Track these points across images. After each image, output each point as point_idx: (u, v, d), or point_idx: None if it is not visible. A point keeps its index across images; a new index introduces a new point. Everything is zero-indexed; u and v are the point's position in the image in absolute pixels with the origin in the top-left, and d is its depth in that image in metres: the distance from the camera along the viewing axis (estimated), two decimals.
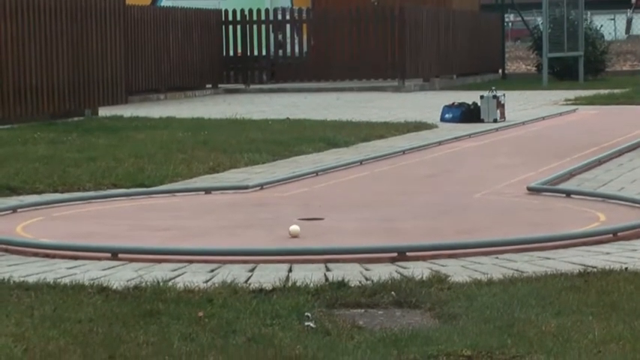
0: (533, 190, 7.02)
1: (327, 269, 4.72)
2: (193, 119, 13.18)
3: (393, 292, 4.25)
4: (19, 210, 6.49)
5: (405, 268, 4.71)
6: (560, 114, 14.54)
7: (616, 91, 19.56)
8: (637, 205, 6.30)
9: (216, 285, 4.41)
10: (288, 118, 12.82)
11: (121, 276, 4.63)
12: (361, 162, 8.84)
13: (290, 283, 4.42)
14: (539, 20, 26.93)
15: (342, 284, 4.38)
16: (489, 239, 5.27)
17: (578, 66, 25.32)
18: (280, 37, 22.61)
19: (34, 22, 13.41)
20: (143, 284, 4.41)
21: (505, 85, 21.36)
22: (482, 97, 13.32)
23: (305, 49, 22.55)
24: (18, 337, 3.69)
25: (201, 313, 3.97)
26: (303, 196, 6.92)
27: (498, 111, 13.19)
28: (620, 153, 9.38)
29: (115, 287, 4.39)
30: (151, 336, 3.70)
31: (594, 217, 5.95)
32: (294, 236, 5.40)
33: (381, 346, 3.56)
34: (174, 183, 7.75)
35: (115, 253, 5.04)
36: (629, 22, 43.62)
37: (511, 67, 31.80)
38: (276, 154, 9.22)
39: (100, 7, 14.15)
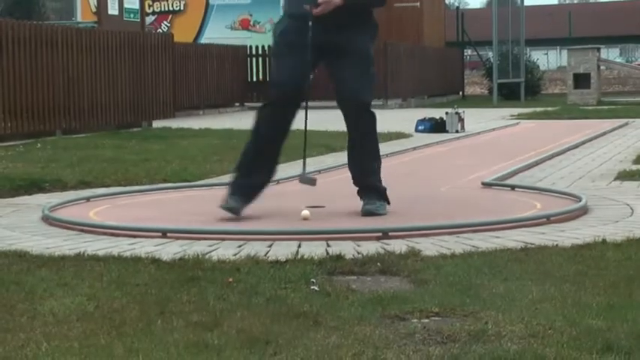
0: (486, 185, 7.01)
1: (328, 245, 4.71)
2: (225, 130, 13.17)
3: (378, 263, 4.24)
4: (91, 199, 6.49)
5: (387, 244, 4.70)
6: (506, 126, 14.53)
7: (549, 108, 19.58)
8: (564, 196, 6.29)
9: (243, 257, 4.41)
10: (297, 129, 12.81)
11: (169, 250, 4.63)
12: None
13: (299, 256, 4.41)
14: (491, 54, 26.92)
15: (339, 257, 4.37)
16: (453, 222, 5.27)
17: (520, 89, 25.32)
18: None
19: (104, 55, 13.45)
20: (186, 256, 4.41)
21: (465, 103, 21.36)
22: (447, 113, 13.32)
23: (311, 75, 22.54)
24: (90, 297, 3.69)
25: (230, 279, 3.96)
26: (309, 189, 6.91)
27: (459, 124, 13.20)
28: (552, 156, 9.38)
29: (164, 259, 4.38)
30: (192, 296, 3.70)
31: (533, 206, 5.94)
32: (305, 219, 5.39)
33: (369, 305, 3.55)
34: (210, 178, 7.75)
35: (164, 233, 5.03)
36: None
37: (469, 90, 31.82)
38: (289, 156, 9.19)
39: (154, 44, 14.23)
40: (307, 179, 5.76)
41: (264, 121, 5.67)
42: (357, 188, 5.75)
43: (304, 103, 5.69)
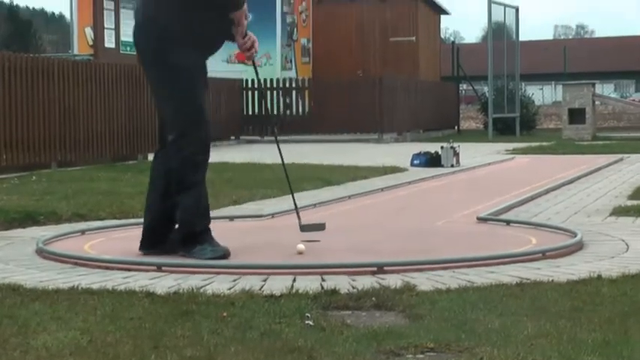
0: (481, 220, 7.01)
1: (323, 280, 4.69)
2: (221, 163, 13.17)
3: (373, 298, 4.23)
4: (86, 232, 6.47)
5: (383, 279, 4.69)
6: (502, 161, 14.55)
7: (544, 143, 19.61)
8: (560, 231, 6.29)
9: (237, 291, 4.39)
10: (293, 163, 12.85)
11: (163, 284, 4.61)
12: (350, 197, 8.84)
13: (294, 291, 4.40)
14: (486, 89, 27.01)
15: (334, 291, 4.35)
16: (448, 257, 5.25)
17: (515, 124, 25.39)
18: (287, 100, 22.70)
19: (100, 88, 13.47)
20: (181, 290, 4.39)
21: (460, 138, 21.40)
22: (442, 147, 13.34)
23: (307, 109, 22.61)
24: (84, 331, 3.67)
25: (225, 313, 3.94)
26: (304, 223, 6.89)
27: (455, 158, 13.21)
28: (547, 191, 9.39)
29: (159, 292, 4.36)
30: (187, 330, 3.68)
31: (528, 241, 5.93)
32: (300, 253, 5.38)
33: (364, 340, 3.54)
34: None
35: (159, 267, 5.02)
36: None
37: (464, 124, 31.91)
38: (284, 190, 9.20)
39: None
40: (312, 226, 5.63)
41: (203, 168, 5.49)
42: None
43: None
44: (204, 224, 5.38)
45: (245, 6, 5.38)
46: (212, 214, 7.51)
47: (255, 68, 5.69)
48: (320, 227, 5.58)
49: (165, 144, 5.43)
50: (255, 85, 22.14)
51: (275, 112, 22.29)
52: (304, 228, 5.54)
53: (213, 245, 5.31)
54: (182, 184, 5.35)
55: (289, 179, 5.85)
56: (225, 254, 5.26)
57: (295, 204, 5.70)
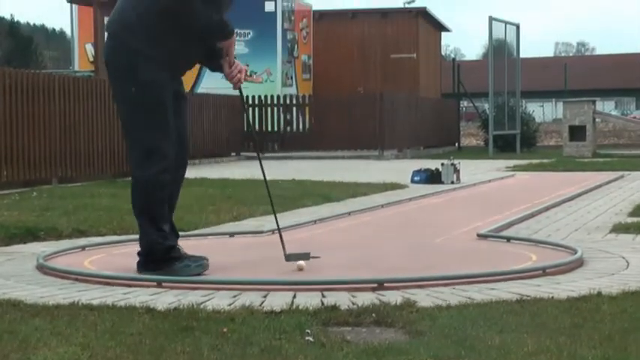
0: (481, 236, 7.01)
1: (323, 296, 4.70)
2: (221, 179, 13.19)
3: (373, 314, 4.23)
4: (87, 248, 6.48)
5: (383, 295, 4.70)
6: (502, 178, 14.56)
7: (544, 160, 19.62)
8: (560, 248, 6.29)
9: (237, 307, 4.39)
10: (293, 179, 12.86)
11: (164, 300, 4.61)
12: (350, 213, 8.84)
13: (294, 307, 4.40)
14: (486, 106, 27.05)
15: (334, 308, 4.36)
16: (448, 274, 5.25)
17: (516, 141, 25.41)
18: (288, 116, 22.73)
19: (100, 102, 13.51)
20: (181, 306, 4.39)
21: (460, 155, 21.42)
22: (442, 164, 13.35)
23: (307, 125, 22.64)
24: (84, 347, 3.68)
25: (225, 329, 3.95)
26: (304, 239, 6.91)
27: (455, 175, 13.22)
28: (547, 208, 9.39)
29: (159, 308, 4.37)
30: (187, 346, 3.69)
31: (528, 258, 5.93)
32: (300, 269, 5.38)
33: (364, 356, 3.54)
34: (206, 228, 7.74)
35: (159, 283, 5.02)
36: None
37: (465, 141, 31.94)
38: (285, 206, 9.21)
39: None
40: (297, 255, 5.51)
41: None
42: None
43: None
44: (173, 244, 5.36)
45: (234, 35, 5.37)
46: (213, 230, 7.55)
47: (240, 91, 5.67)
48: (305, 256, 5.51)
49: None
50: (257, 102, 22.19)
51: (275, 128, 22.33)
52: (289, 257, 5.47)
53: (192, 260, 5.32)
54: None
55: (273, 203, 5.82)
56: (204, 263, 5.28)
57: (280, 234, 5.65)
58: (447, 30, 31.98)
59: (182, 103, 5.42)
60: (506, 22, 25.65)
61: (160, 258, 5.28)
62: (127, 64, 5.18)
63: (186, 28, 5.17)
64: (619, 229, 7.61)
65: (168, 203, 5.38)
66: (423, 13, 29.12)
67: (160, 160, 5.23)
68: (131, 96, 5.21)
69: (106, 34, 5.41)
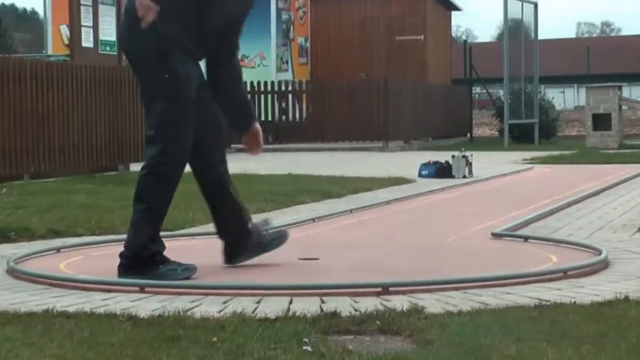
0: (496, 236, 7.02)
1: (322, 301, 4.70)
2: None
3: (377, 321, 4.23)
4: (62, 250, 6.48)
5: (388, 300, 4.70)
6: (519, 171, 14.57)
7: (565, 152, 19.65)
8: (583, 248, 6.30)
9: (228, 314, 4.39)
10: (290, 174, 12.86)
11: (147, 306, 4.61)
12: (351, 211, 8.85)
13: (290, 313, 4.40)
14: (501, 92, 27.07)
15: (334, 314, 4.36)
16: (459, 277, 5.26)
17: (533, 131, 25.44)
18: (283, 104, 22.75)
19: (77, 91, 13.50)
20: (166, 313, 4.40)
21: (472, 146, 21.44)
22: (453, 156, 13.36)
23: (304, 115, 22.65)
24: (60, 358, 3.68)
25: (215, 338, 3.95)
26: (302, 239, 6.92)
27: (467, 168, 13.23)
28: (569, 205, 9.40)
29: (142, 316, 4.37)
30: (173, 357, 3.69)
31: (547, 259, 5.94)
32: None
33: None
34: (194, 227, 7.75)
35: (142, 287, 5.03)
36: None
37: (477, 131, 31.96)
38: (280, 203, 9.22)
39: (131, 80, 14.19)
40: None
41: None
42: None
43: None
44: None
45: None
46: (203, 229, 7.55)
47: None
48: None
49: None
50: (249, 89, 22.20)
51: (269, 117, 22.33)
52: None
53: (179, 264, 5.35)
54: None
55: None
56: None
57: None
58: (457, 9, 31.99)
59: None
60: (523, 1, 25.65)
61: (144, 262, 5.29)
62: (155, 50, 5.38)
63: None
64: None
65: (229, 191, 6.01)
66: None
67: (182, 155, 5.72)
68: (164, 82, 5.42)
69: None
